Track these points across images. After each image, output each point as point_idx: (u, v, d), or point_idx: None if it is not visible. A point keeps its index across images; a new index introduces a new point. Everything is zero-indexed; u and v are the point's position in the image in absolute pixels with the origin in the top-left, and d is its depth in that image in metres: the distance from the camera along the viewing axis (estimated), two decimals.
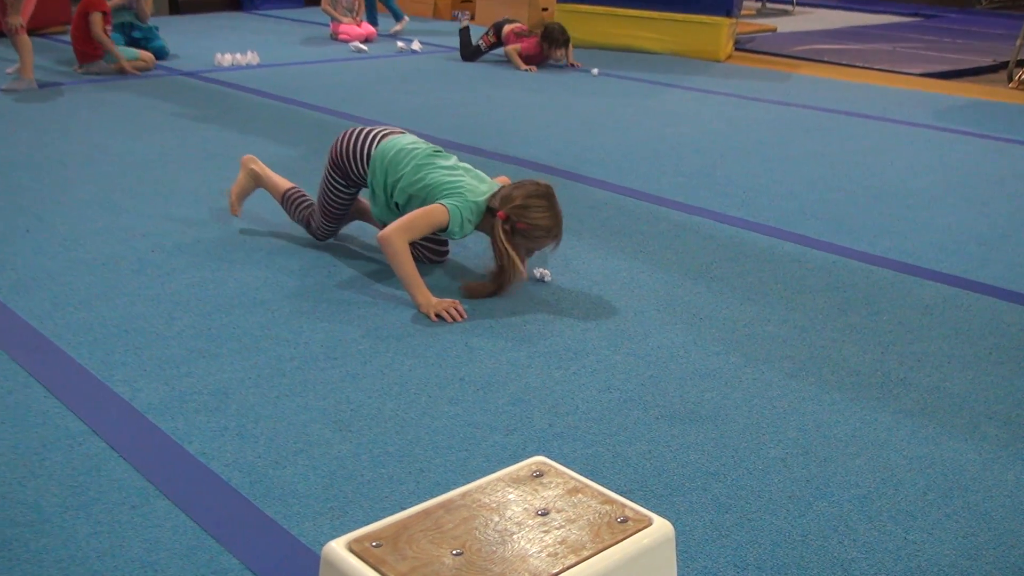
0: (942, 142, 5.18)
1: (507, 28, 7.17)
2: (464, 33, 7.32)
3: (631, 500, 1.67)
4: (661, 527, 1.27)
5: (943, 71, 7.64)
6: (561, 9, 8.07)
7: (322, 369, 2.43)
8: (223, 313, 2.72)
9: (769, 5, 12.49)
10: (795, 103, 6.10)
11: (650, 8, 7.84)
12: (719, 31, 7.68)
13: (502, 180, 3.02)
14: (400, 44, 7.79)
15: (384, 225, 2.98)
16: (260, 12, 10.00)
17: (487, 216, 2.85)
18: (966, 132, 5.43)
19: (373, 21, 8.52)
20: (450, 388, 2.36)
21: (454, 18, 7.52)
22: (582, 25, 7.91)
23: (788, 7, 12.41)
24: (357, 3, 8.15)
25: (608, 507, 1.31)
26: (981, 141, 5.23)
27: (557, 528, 1.26)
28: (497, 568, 1.18)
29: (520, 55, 7.05)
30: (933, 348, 2.67)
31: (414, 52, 7.67)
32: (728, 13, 7.64)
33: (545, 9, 8.97)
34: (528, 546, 1.22)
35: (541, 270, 3.05)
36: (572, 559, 1.20)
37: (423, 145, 3.01)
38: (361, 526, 1.27)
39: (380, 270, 3.06)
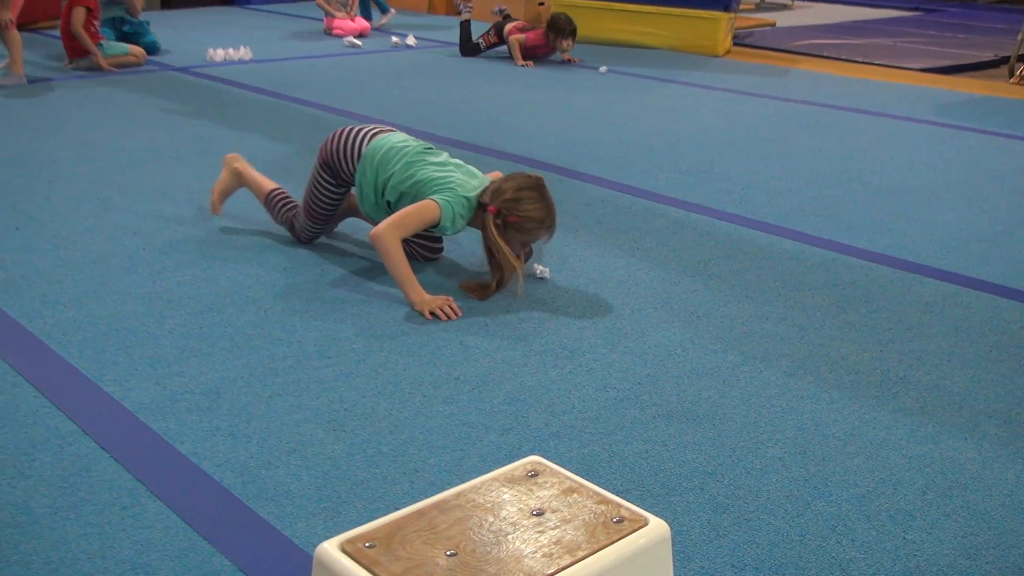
0: (942, 138, 5.19)
1: (509, 26, 7.13)
2: (465, 27, 7.26)
3: (628, 500, 1.68)
4: (657, 527, 1.28)
5: (944, 66, 7.65)
6: (558, 4, 8.07)
7: (315, 368, 2.43)
8: (215, 311, 2.72)
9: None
10: (794, 99, 6.10)
11: (647, 3, 7.84)
12: (717, 26, 7.69)
13: (495, 176, 3.02)
14: (395, 39, 7.79)
15: (375, 223, 2.99)
16: (253, 7, 9.99)
17: (478, 211, 2.85)
18: (967, 128, 5.44)
19: (367, 16, 8.51)
20: (445, 387, 2.36)
21: (458, 12, 7.45)
22: (579, 20, 7.87)
23: (787, 1, 12.42)
24: None
25: (604, 507, 1.31)
26: (982, 137, 5.24)
27: (552, 528, 1.26)
28: (492, 569, 1.18)
29: (525, 46, 6.99)
30: (932, 346, 2.67)
31: (409, 47, 7.66)
32: (726, 7, 7.65)
33: (541, 3, 8.97)
34: (523, 546, 1.22)
35: (540, 268, 3.05)
36: (567, 559, 1.20)
37: (413, 142, 3.01)
38: (355, 527, 1.27)
39: (373, 268, 3.06)
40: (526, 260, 3.05)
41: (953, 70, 7.64)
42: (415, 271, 2.84)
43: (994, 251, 3.43)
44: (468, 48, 7.25)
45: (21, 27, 6.11)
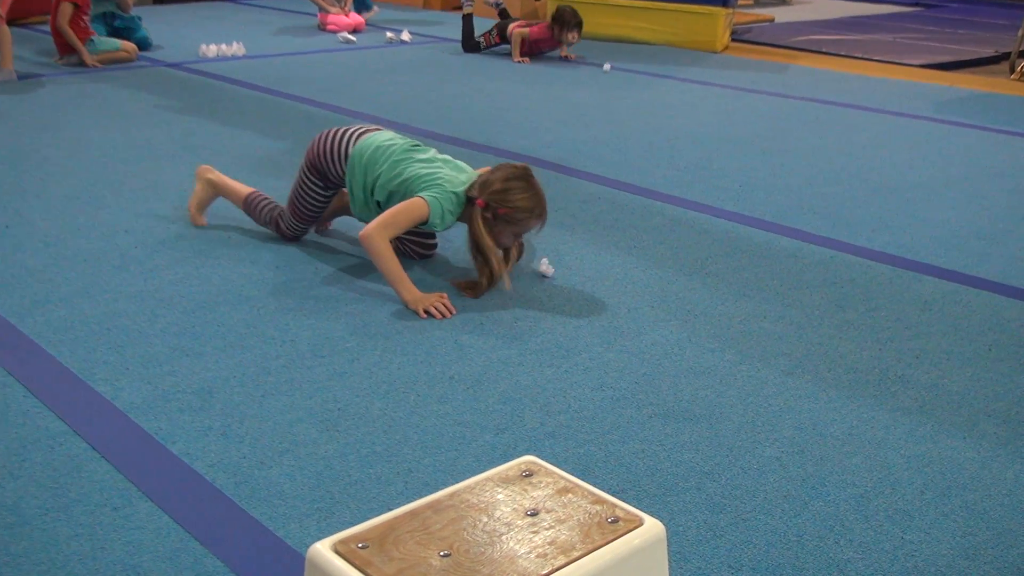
0: (942, 135, 5.19)
1: (512, 25, 7.09)
2: (467, 21, 7.21)
3: (624, 500, 1.68)
4: (652, 527, 1.28)
5: (944, 62, 7.66)
6: None
7: (308, 367, 2.43)
8: (207, 310, 2.73)
9: None
10: (793, 95, 6.11)
11: None
12: (715, 21, 7.69)
13: (484, 171, 3.03)
14: (389, 35, 7.78)
15: (366, 223, 2.99)
16: (246, 2, 9.98)
17: (467, 206, 2.86)
18: (967, 124, 5.45)
19: (368, 7, 8.50)
20: (439, 386, 2.36)
21: (459, 6, 7.38)
22: None
23: None
24: None
25: (599, 507, 1.31)
26: (982, 134, 5.25)
27: (547, 529, 1.26)
28: (485, 569, 1.19)
29: (528, 40, 6.94)
30: (932, 345, 2.68)
31: (403, 43, 7.66)
32: (725, 3, 7.65)
33: None
34: (517, 547, 1.23)
35: (545, 264, 3.06)
36: (562, 560, 1.21)
37: (400, 140, 3.02)
38: (348, 527, 1.27)
39: (367, 265, 3.06)
40: (519, 255, 3.05)
41: (953, 66, 7.65)
42: (407, 269, 2.84)
43: (994, 249, 3.44)
44: (470, 44, 7.22)
45: (11, 23, 6.11)
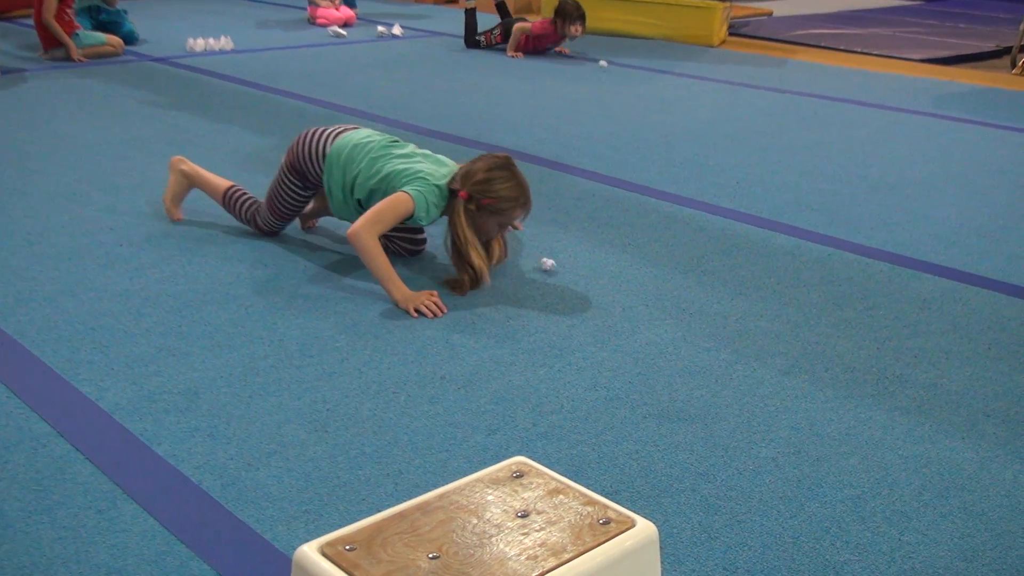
0: (942, 130, 5.21)
1: (517, 25, 7.07)
2: (470, 15, 7.16)
3: (617, 501, 1.69)
4: (644, 529, 1.29)
5: (944, 56, 7.67)
6: None
7: (297, 367, 2.43)
8: (194, 309, 2.73)
9: None
10: (790, 90, 6.12)
11: None
12: (712, 15, 7.70)
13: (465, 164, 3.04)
14: (380, 29, 7.78)
15: (346, 222, 3.01)
16: None
17: (450, 199, 2.87)
18: (967, 120, 5.46)
19: (351, 4, 8.50)
20: (430, 386, 2.36)
21: (456, 0, 7.32)
22: None
23: None
24: None
25: (590, 508, 1.32)
26: (983, 129, 5.26)
27: (537, 530, 1.27)
28: (475, 572, 1.19)
29: (530, 35, 6.88)
30: (930, 344, 2.69)
31: (395, 37, 7.66)
32: None
33: None
34: (507, 549, 1.23)
35: (547, 261, 3.06)
36: (552, 562, 1.21)
37: (377, 137, 3.04)
38: (337, 530, 1.28)
39: (356, 263, 3.06)
40: (501, 256, 3.05)
41: (954, 60, 7.66)
42: (396, 266, 2.84)
43: (994, 246, 3.45)
44: (472, 40, 7.16)
45: None
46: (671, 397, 2.36)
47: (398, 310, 2.76)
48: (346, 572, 1.19)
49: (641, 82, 6.23)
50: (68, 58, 6.11)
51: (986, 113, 5.67)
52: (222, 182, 3.30)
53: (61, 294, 2.79)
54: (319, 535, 1.29)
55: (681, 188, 3.99)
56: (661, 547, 1.73)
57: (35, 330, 2.57)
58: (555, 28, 6.85)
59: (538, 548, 1.23)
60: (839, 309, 2.88)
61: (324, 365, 2.45)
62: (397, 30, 7.78)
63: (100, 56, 6.26)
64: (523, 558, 1.21)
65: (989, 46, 8.22)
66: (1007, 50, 7.89)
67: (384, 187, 2.89)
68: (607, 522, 1.29)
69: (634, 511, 1.36)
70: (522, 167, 2.97)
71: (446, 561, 1.21)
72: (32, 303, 2.72)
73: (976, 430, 2.26)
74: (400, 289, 2.77)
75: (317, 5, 8.05)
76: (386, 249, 2.87)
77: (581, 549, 1.24)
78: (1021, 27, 7.47)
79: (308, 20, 8.13)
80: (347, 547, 1.23)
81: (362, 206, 2.95)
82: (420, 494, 1.37)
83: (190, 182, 3.36)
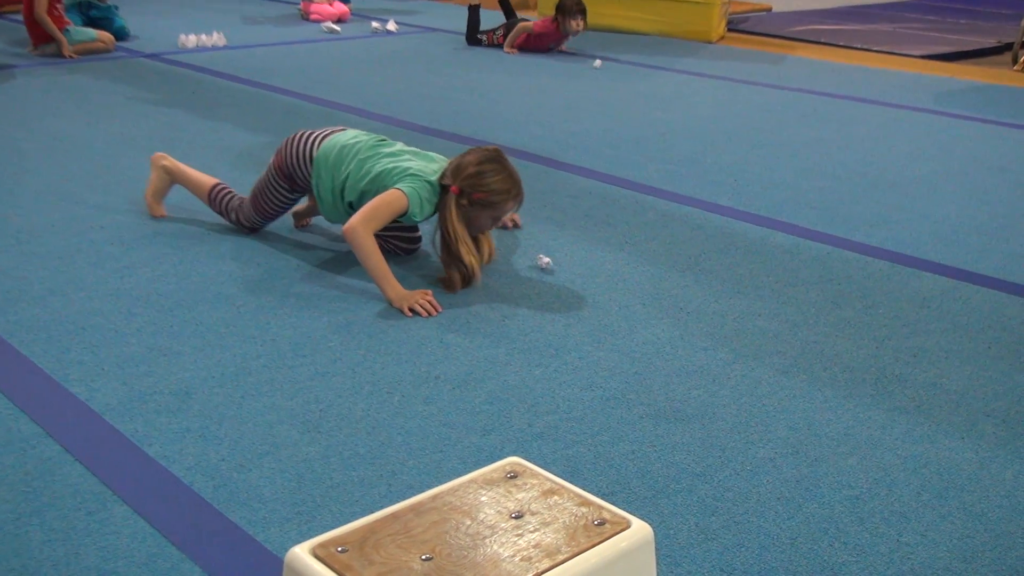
0: (943, 127, 5.21)
1: (519, 24, 7.04)
2: (474, 12, 7.12)
3: (613, 502, 1.69)
4: (640, 530, 1.29)
5: (945, 53, 7.68)
6: None
7: (289, 367, 2.43)
8: (185, 309, 2.73)
9: None
10: (789, 86, 6.12)
11: None
12: (711, 11, 7.70)
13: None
14: (375, 24, 7.78)
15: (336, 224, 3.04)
16: None
17: (441, 194, 2.88)
18: (968, 117, 5.47)
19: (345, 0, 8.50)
20: (424, 386, 2.37)
21: None
22: None
23: None
24: None
25: (585, 509, 1.32)
26: (983, 126, 5.27)
27: (531, 531, 1.27)
28: (468, 573, 1.19)
29: (532, 34, 6.84)
30: (930, 343, 2.69)
31: (389, 33, 7.66)
32: None
33: None
34: (501, 550, 1.23)
35: (543, 259, 3.06)
36: (546, 563, 1.21)
37: (364, 137, 3.05)
38: (330, 531, 1.28)
39: (349, 262, 3.07)
40: (490, 256, 3.05)
41: (955, 57, 7.67)
42: (389, 265, 2.84)
43: (994, 244, 3.46)
44: (474, 38, 7.12)
45: None
46: (668, 397, 2.36)
47: (392, 309, 2.76)
48: (338, 574, 1.19)
49: (639, 79, 6.24)
50: (59, 54, 6.10)
51: (987, 110, 5.67)
52: (207, 179, 3.31)
53: (51, 293, 2.79)
54: (312, 537, 1.29)
55: (679, 186, 3.99)
56: (657, 548, 1.73)
57: (24, 330, 2.57)
58: (557, 26, 6.82)
59: (532, 549, 1.23)
60: (838, 308, 2.89)
61: (317, 365, 2.45)
62: (392, 26, 7.78)
63: (91, 52, 6.25)
64: (517, 559, 1.22)
65: (990, 42, 8.23)
66: (1008, 46, 7.90)
67: (375, 188, 2.90)
68: (602, 523, 1.29)
69: (630, 512, 1.36)
70: (518, 165, 2.97)
71: (439, 563, 1.21)
72: (21, 303, 2.72)
73: (976, 430, 2.27)
74: (394, 288, 2.78)
75: (311, 0, 8.04)
76: (381, 248, 2.88)
77: (576, 550, 1.24)
78: (1022, 23, 7.48)
79: (301, 16, 8.13)
80: (339, 548, 1.23)
81: (353, 208, 2.96)
82: (414, 495, 1.37)
83: (172, 178, 3.37)
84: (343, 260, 3.10)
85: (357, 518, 1.32)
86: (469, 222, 2.89)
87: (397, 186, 2.84)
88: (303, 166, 3.04)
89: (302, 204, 3.31)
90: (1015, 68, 7.19)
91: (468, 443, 2.14)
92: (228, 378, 2.37)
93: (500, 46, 7.07)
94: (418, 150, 3.06)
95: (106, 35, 6.39)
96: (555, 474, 1.53)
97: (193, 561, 1.74)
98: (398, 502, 1.36)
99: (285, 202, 3.17)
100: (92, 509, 1.87)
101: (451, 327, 2.68)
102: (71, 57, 6.08)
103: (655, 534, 1.34)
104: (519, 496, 1.35)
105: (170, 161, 3.36)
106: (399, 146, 3.05)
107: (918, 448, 2.18)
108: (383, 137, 3.09)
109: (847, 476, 2.07)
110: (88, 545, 1.77)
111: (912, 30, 8.90)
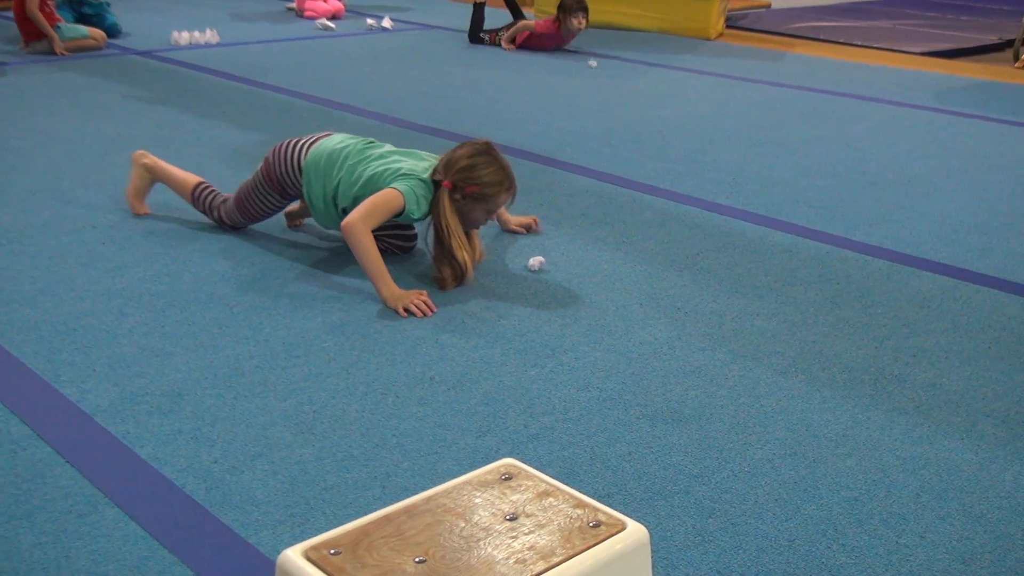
0: (943, 125, 5.22)
1: (522, 22, 7.02)
2: (478, 10, 7.10)
3: (610, 504, 1.69)
4: (635, 532, 1.29)
5: (946, 49, 7.69)
6: None
7: (283, 368, 2.44)
8: (177, 309, 2.73)
9: None
10: (789, 84, 6.13)
11: None
12: (709, 7, 7.71)
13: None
14: (370, 21, 7.78)
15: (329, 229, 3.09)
16: None
17: (434, 191, 2.89)
18: (969, 114, 5.48)
19: None
20: (419, 387, 2.37)
21: None
22: None
23: None
24: None
25: (580, 511, 1.32)
26: (985, 124, 5.28)
27: (526, 534, 1.27)
28: None
29: (533, 33, 6.83)
30: (930, 343, 2.70)
31: (385, 30, 7.66)
32: None
33: None
34: (495, 552, 1.24)
35: (534, 262, 3.06)
36: (541, 566, 1.21)
37: (352, 141, 3.06)
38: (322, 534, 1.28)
39: (343, 261, 3.07)
40: (480, 255, 3.06)
41: (955, 54, 7.68)
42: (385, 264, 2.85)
43: (995, 243, 3.46)
44: (477, 36, 7.11)
45: None
46: (665, 398, 2.36)
47: (387, 309, 2.76)
48: None
49: (637, 76, 6.24)
50: (50, 51, 6.10)
51: (988, 107, 5.68)
52: (189, 178, 3.31)
53: (42, 293, 2.79)
54: (305, 539, 1.29)
55: (676, 184, 3.99)
56: (653, 550, 1.74)
57: (15, 331, 2.57)
58: (558, 27, 6.80)
59: (527, 552, 1.24)
60: (837, 307, 2.89)
61: (311, 366, 2.45)
62: (387, 23, 7.78)
63: (82, 49, 6.24)
64: (511, 562, 1.22)
65: (991, 39, 8.25)
66: (1010, 43, 7.92)
67: (368, 192, 2.91)
68: (597, 525, 1.29)
69: (627, 514, 1.37)
70: (515, 163, 2.98)
71: (433, 565, 1.21)
72: (12, 303, 2.72)
73: (975, 431, 2.27)
74: (390, 287, 2.78)
75: None
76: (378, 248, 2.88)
77: (570, 552, 1.24)
78: None
79: (296, 12, 8.13)
80: (332, 551, 1.23)
81: (346, 214, 2.96)
82: (409, 497, 1.37)
83: (153, 176, 3.38)
84: (337, 260, 3.10)
85: (351, 520, 1.32)
86: (463, 217, 2.90)
87: (392, 185, 2.85)
88: (292, 175, 3.05)
89: (295, 205, 3.31)
90: (1016, 65, 7.20)
91: (463, 444, 2.14)
92: (221, 379, 2.37)
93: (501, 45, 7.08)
94: (407, 150, 3.08)
95: (98, 32, 6.39)
96: (551, 476, 1.54)
97: (185, 564, 1.74)
98: (392, 504, 1.36)
99: (276, 208, 3.20)
100: (83, 512, 1.87)
101: (446, 327, 2.68)
102: (62, 54, 6.07)
103: (651, 536, 1.34)
104: (514, 498, 1.35)
105: (151, 159, 3.36)
106: (388, 147, 3.07)
107: (917, 449, 2.19)
108: (371, 139, 3.10)
109: (845, 477, 2.07)
110: (79, 548, 1.77)
111: (912, 26, 8.91)
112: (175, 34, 6.65)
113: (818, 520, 1.93)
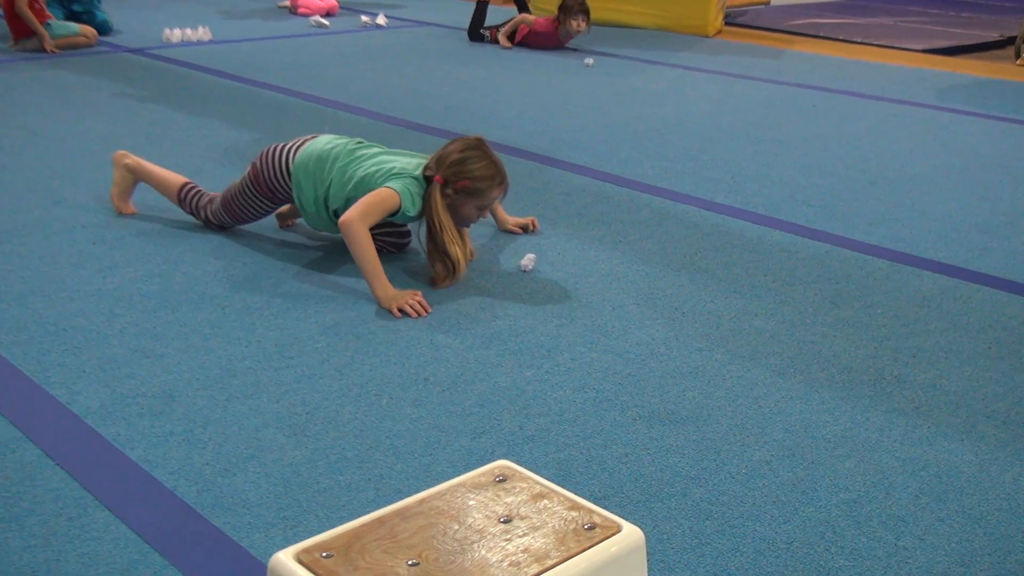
0: (944, 123, 5.23)
1: (521, 15, 7.02)
2: (480, 9, 7.09)
3: (606, 507, 1.70)
4: (630, 534, 1.29)
5: (946, 47, 7.70)
6: None
7: (275, 369, 2.44)
8: (169, 310, 2.73)
9: None
10: (788, 81, 6.13)
11: None
12: (708, 4, 7.71)
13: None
14: (364, 18, 7.78)
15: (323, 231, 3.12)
16: None
17: (426, 188, 2.90)
18: (970, 112, 5.48)
19: None
20: (413, 389, 2.37)
21: None
22: None
23: None
24: None
25: (575, 513, 1.32)
26: (986, 122, 5.28)
27: (520, 536, 1.27)
28: None
29: (532, 29, 6.82)
30: (930, 343, 2.70)
31: (379, 27, 7.66)
32: None
33: None
34: (489, 555, 1.24)
35: (526, 262, 3.06)
36: (535, 568, 1.22)
37: (340, 142, 3.06)
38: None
39: (336, 261, 3.07)
40: (471, 253, 3.06)
41: (956, 51, 7.69)
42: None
43: (996, 242, 3.47)
44: (477, 34, 7.10)
45: None
46: (662, 399, 2.36)
47: (381, 310, 2.76)
48: None
49: (634, 74, 6.24)
50: (40, 49, 6.10)
51: (989, 105, 5.69)
52: (174, 178, 3.32)
53: (31, 293, 2.78)
54: (297, 542, 1.29)
55: (674, 183, 4.00)
56: (650, 553, 1.74)
57: (4, 331, 2.57)
58: (556, 28, 6.79)
59: (521, 554, 1.24)
60: (836, 307, 2.90)
61: (304, 367, 2.45)
62: (381, 20, 7.78)
63: (73, 47, 6.24)
64: (505, 564, 1.22)
65: (993, 36, 8.25)
66: (1011, 40, 7.92)
67: (360, 192, 2.91)
68: (592, 527, 1.29)
69: (623, 516, 1.37)
70: (510, 162, 2.98)
71: (426, 568, 1.21)
72: (1, 303, 2.72)
73: (975, 432, 2.27)
74: (384, 287, 2.78)
75: None
76: None
77: (565, 555, 1.24)
78: None
79: (289, 10, 8.13)
80: (324, 554, 1.23)
81: (338, 216, 2.97)
82: (402, 499, 1.37)
83: (136, 177, 3.39)
84: (330, 260, 3.10)
85: (344, 523, 1.32)
86: (455, 212, 2.91)
87: (387, 184, 2.86)
88: (281, 179, 3.05)
89: (285, 207, 3.31)
90: (1018, 62, 7.21)
91: (458, 446, 2.14)
92: (212, 380, 2.37)
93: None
94: (397, 149, 3.10)
95: (88, 29, 6.39)
96: (547, 478, 1.54)
97: (176, 567, 1.74)
98: (386, 506, 1.36)
99: (265, 212, 3.21)
100: (73, 515, 1.87)
101: (441, 328, 2.69)
102: (53, 52, 6.07)
103: (648, 538, 1.35)
104: (508, 500, 1.35)
105: (132, 159, 3.37)
106: (377, 147, 3.08)
107: (917, 450, 2.19)
108: (360, 140, 3.11)
109: (844, 479, 2.07)
110: (69, 551, 1.77)
111: (913, 23, 8.92)
112: (167, 31, 6.65)
113: (816, 522, 1.93)
